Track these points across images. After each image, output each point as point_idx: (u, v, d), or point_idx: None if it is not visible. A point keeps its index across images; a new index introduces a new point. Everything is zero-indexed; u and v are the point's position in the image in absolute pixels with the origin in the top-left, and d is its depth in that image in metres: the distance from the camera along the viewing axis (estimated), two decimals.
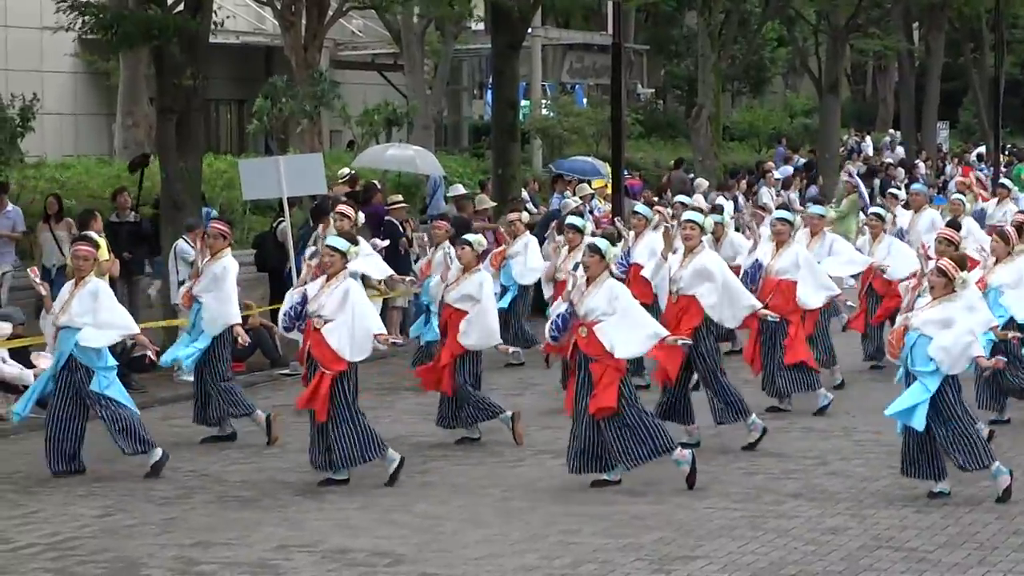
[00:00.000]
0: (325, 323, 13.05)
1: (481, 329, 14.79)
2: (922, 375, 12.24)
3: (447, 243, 16.76)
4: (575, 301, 12.77)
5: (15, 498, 13.06)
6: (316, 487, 13.24)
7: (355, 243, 13.89)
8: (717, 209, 22.83)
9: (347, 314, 13.10)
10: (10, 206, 20.65)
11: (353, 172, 26.14)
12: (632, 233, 18.34)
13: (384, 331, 13.58)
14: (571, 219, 17.94)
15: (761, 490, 12.93)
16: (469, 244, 15.02)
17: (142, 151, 31.17)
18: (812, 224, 18.36)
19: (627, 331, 12.76)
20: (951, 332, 12.16)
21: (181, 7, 20.33)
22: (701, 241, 14.78)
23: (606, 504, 12.45)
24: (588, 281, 12.86)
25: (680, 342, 13.33)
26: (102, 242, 18.41)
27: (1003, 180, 27.41)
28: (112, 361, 13.93)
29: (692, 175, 34.45)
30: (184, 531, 11.83)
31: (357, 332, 13.10)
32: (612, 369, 12.72)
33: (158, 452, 13.79)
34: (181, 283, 16.75)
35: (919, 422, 12.12)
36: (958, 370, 12.39)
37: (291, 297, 13.50)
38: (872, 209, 19.72)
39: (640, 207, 19.87)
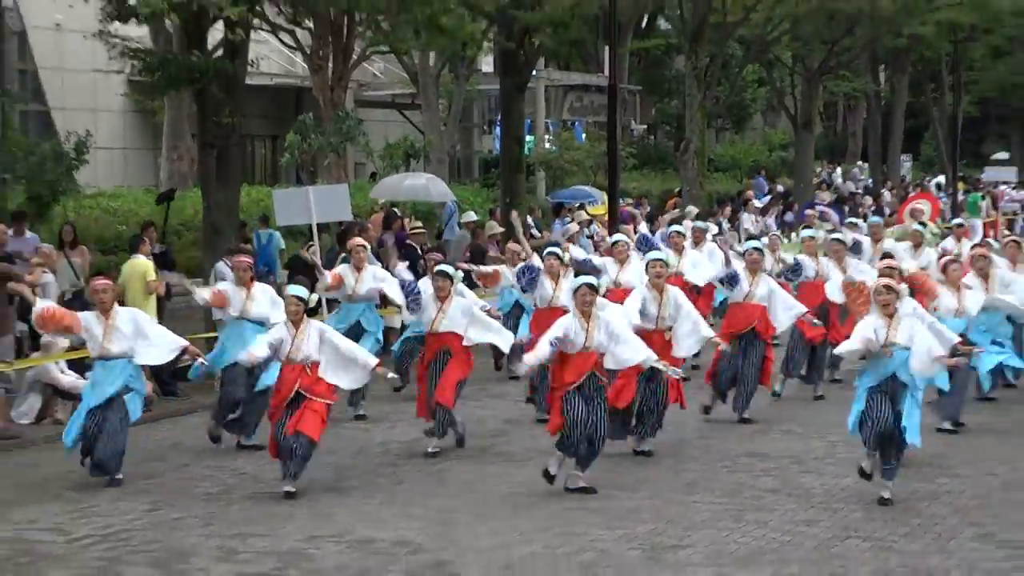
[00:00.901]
0: (316, 364, 12.93)
1: (494, 335, 14.78)
2: (917, 390, 12.29)
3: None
4: (582, 338, 12.64)
5: (71, 495, 13.09)
6: (341, 485, 13.28)
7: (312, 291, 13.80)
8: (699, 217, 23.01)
9: (330, 352, 12.98)
10: (28, 233, 20.09)
11: (389, 203, 26.48)
12: (613, 260, 18.31)
13: (377, 361, 13.34)
14: (550, 248, 17.83)
15: (743, 486, 12.96)
16: (449, 277, 14.77)
17: (185, 182, 31.37)
18: (807, 246, 18.39)
19: (624, 349, 12.84)
20: (921, 345, 12.18)
21: (220, 52, 20.43)
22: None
23: (603, 499, 12.48)
24: (587, 316, 12.72)
25: (676, 374, 13.45)
26: (150, 264, 18.49)
27: (960, 220, 26.56)
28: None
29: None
30: (224, 523, 11.87)
31: (349, 366, 13.03)
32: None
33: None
34: None
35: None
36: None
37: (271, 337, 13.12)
38: (833, 236, 19.39)
39: (619, 236, 19.68)
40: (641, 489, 12.88)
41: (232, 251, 17.80)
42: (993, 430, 15.60)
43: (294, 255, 22.84)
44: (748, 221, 32.32)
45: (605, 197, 30.46)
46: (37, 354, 17.08)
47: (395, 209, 25.99)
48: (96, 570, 10.53)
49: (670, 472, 13.61)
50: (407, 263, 20.81)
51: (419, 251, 21.44)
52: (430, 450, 14.58)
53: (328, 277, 16.75)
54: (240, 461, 14.39)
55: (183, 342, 13.91)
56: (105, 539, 11.45)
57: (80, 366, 16.52)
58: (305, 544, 11.13)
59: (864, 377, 12.39)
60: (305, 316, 13.13)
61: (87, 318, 13.57)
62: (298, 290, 13.27)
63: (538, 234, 28.80)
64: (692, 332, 14.47)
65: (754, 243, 17.10)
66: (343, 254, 17.77)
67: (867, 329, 12.22)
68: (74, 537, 11.53)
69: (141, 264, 18.27)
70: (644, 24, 47.11)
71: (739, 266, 16.46)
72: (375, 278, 16.93)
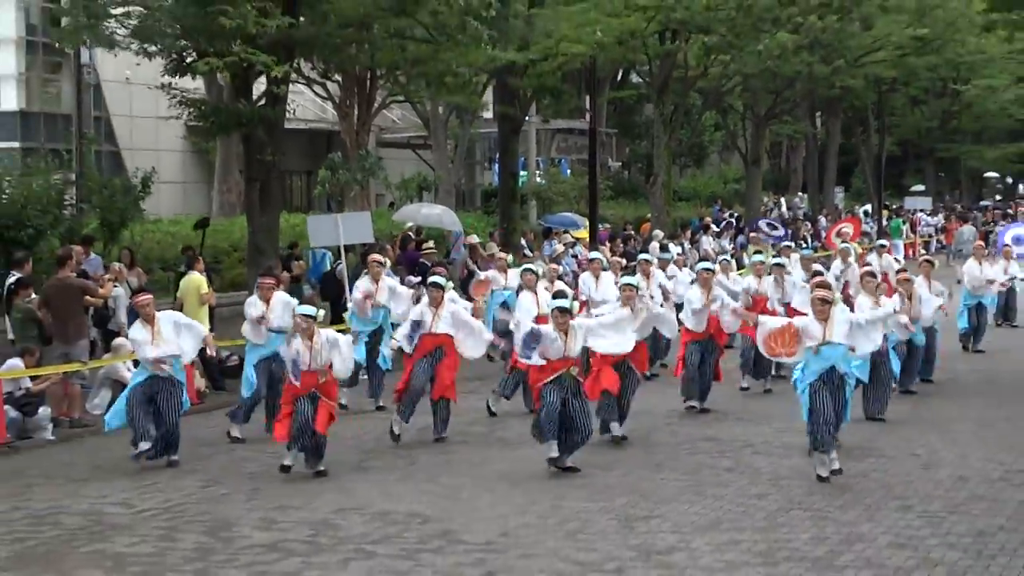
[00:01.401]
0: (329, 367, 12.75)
1: (476, 340, 14.57)
2: (851, 377, 12.47)
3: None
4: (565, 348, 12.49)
5: (136, 474, 13.02)
6: (364, 465, 13.20)
7: (319, 308, 13.63)
8: (663, 248, 22.96)
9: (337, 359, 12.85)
10: (92, 255, 19.84)
11: (413, 227, 26.48)
12: (590, 274, 18.28)
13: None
14: (526, 265, 17.62)
15: (703, 466, 12.89)
16: (441, 287, 14.43)
17: (233, 211, 31.32)
18: (756, 269, 18.30)
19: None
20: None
21: (263, 101, 20.41)
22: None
23: (585, 477, 12.41)
24: (565, 331, 12.53)
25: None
26: (203, 279, 18.41)
27: (883, 242, 26.17)
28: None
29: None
30: (266, 498, 11.81)
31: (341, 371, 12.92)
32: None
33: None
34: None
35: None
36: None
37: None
38: (774, 261, 19.17)
39: (593, 254, 19.61)
40: (617, 468, 12.81)
41: (271, 268, 17.70)
42: (915, 419, 15.53)
43: (323, 272, 22.79)
44: (707, 242, 32.29)
45: (587, 222, 30.48)
46: (108, 355, 17.04)
47: (410, 233, 25.98)
48: (157, 537, 10.46)
49: (641, 454, 13.54)
50: (420, 277, 20.90)
51: (429, 266, 21.41)
52: (395, 431, 14.25)
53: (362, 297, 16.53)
54: (278, 446, 14.27)
55: (203, 332, 13.82)
56: (165, 511, 11.40)
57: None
58: (334, 515, 11.07)
59: (805, 371, 12.30)
60: (317, 331, 12.84)
61: (136, 329, 13.45)
62: (307, 309, 13.02)
63: (530, 253, 28.76)
64: (666, 320, 14.56)
65: (706, 264, 17.06)
66: (365, 269, 17.70)
67: (806, 331, 12.21)
68: (139, 509, 11.49)
69: (196, 279, 18.22)
70: (619, 78, 47.22)
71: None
72: (390, 289, 16.84)
